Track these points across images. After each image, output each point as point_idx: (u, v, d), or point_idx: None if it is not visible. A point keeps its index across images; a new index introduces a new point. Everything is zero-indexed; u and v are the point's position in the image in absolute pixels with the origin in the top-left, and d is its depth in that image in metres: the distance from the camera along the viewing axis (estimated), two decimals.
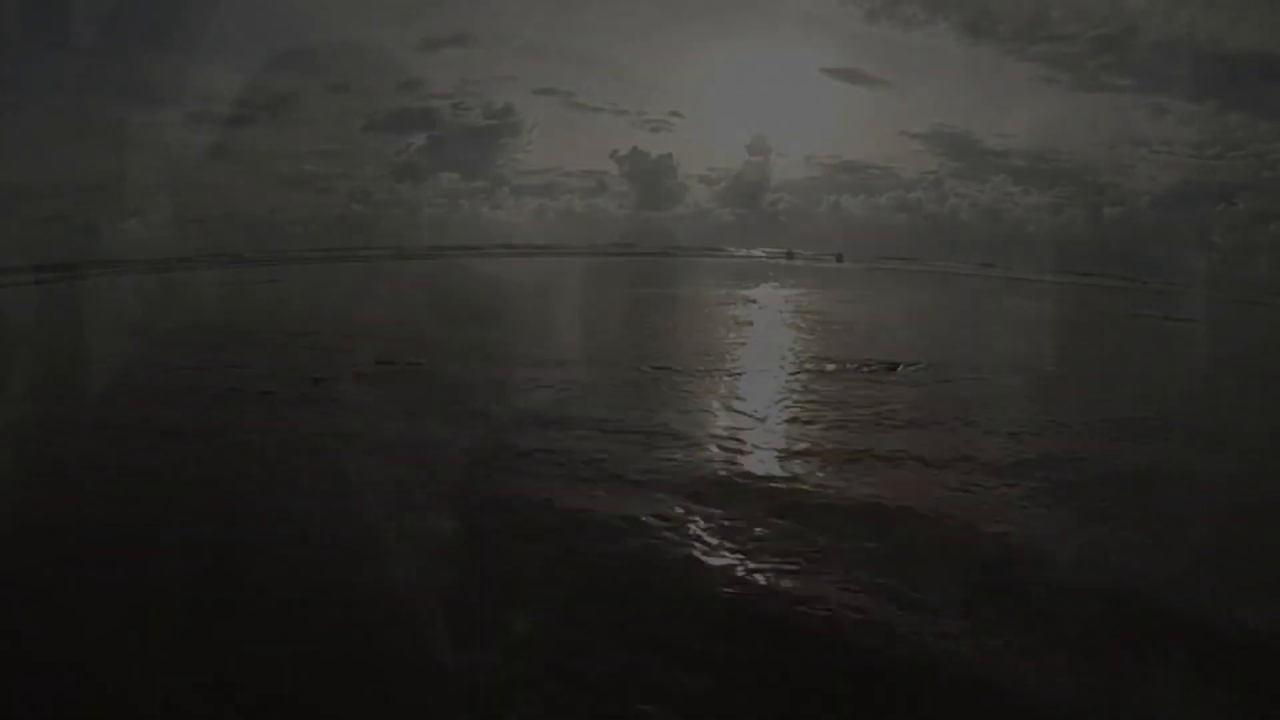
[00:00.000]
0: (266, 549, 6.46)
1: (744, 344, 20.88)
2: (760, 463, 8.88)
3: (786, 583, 5.85)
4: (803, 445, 9.61)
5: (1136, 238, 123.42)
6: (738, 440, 9.72)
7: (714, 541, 6.57)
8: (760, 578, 5.95)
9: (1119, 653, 5.05)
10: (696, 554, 6.35)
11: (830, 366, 16.27)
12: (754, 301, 35.19)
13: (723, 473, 8.41)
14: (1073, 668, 4.90)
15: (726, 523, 6.94)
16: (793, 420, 11.12)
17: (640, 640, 5.01)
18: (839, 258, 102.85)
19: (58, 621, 5.18)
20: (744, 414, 11.44)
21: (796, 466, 8.70)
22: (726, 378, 15.00)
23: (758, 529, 6.81)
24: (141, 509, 7.48)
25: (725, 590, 5.78)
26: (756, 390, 13.83)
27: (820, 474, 8.39)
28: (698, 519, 7.02)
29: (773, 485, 8.01)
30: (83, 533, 6.88)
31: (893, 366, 15.96)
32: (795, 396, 12.85)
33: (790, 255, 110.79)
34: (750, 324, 26.37)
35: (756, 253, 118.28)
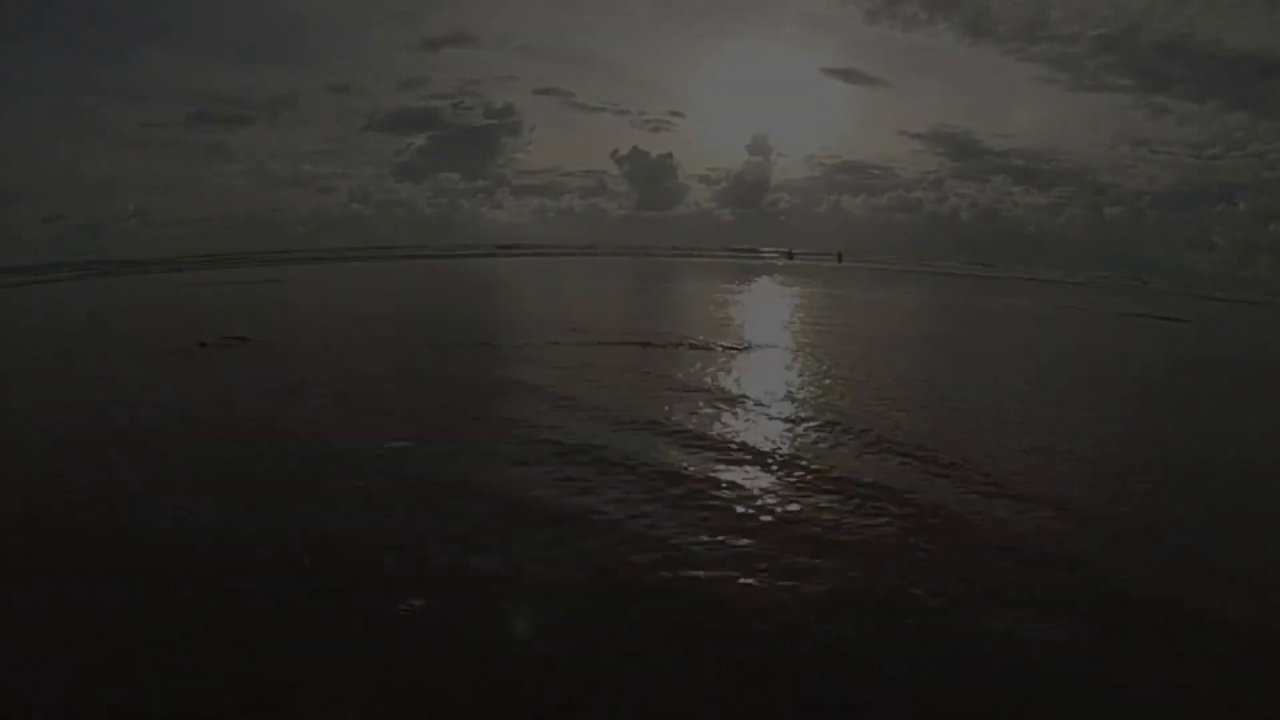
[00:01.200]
0: None
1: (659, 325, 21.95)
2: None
3: None
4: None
5: (1136, 238, 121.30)
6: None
7: None
8: None
9: None
10: None
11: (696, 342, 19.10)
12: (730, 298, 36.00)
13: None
14: None
15: None
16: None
17: None
18: (839, 258, 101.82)
19: None
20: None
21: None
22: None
23: None
24: None
25: None
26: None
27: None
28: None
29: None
30: None
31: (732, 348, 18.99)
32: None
33: (791, 255, 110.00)
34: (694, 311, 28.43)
35: (767, 250, 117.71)
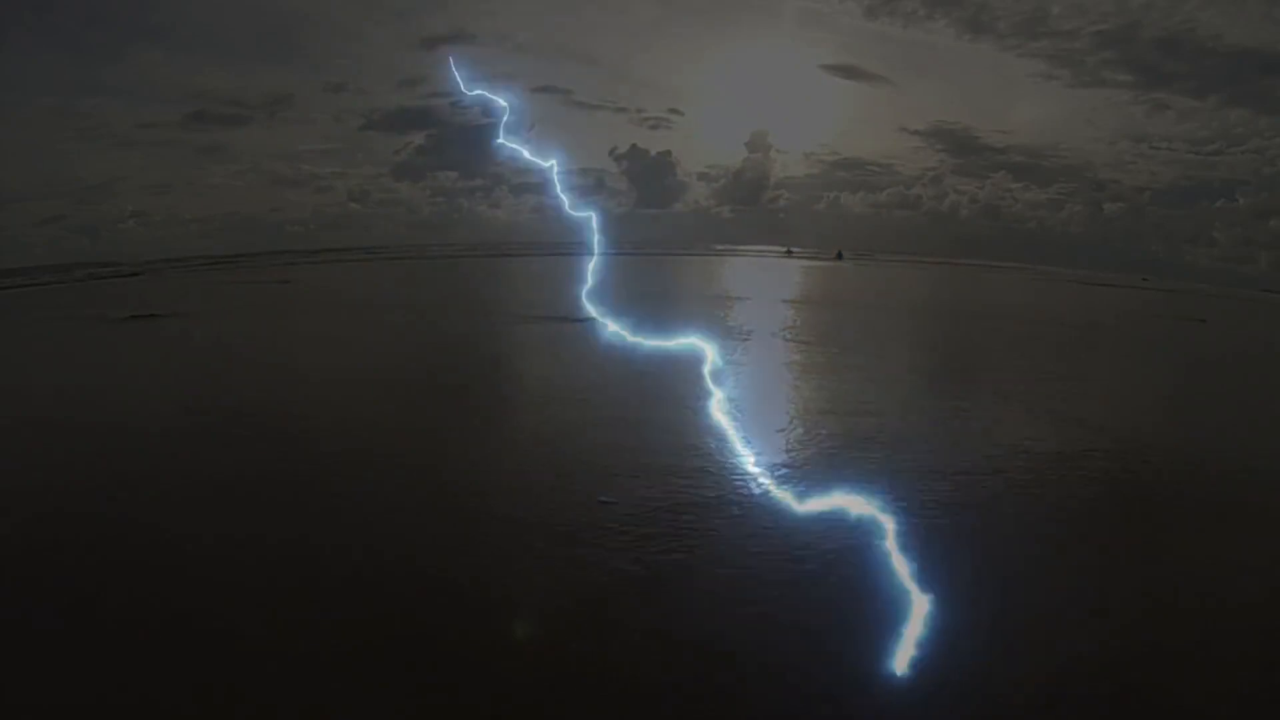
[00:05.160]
0: None
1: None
2: None
3: None
4: None
5: (1136, 234, 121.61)
6: None
7: None
8: None
9: None
10: None
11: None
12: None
13: None
14: None
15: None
16: None
17: None
18: (839, 255, 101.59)
19: None
20: None
21: None
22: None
23: None
24: None
25: None
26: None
27: None
28: None
29: None
30: None
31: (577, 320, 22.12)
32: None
33: (790, 253, 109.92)
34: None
35: (777, 249, 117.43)
